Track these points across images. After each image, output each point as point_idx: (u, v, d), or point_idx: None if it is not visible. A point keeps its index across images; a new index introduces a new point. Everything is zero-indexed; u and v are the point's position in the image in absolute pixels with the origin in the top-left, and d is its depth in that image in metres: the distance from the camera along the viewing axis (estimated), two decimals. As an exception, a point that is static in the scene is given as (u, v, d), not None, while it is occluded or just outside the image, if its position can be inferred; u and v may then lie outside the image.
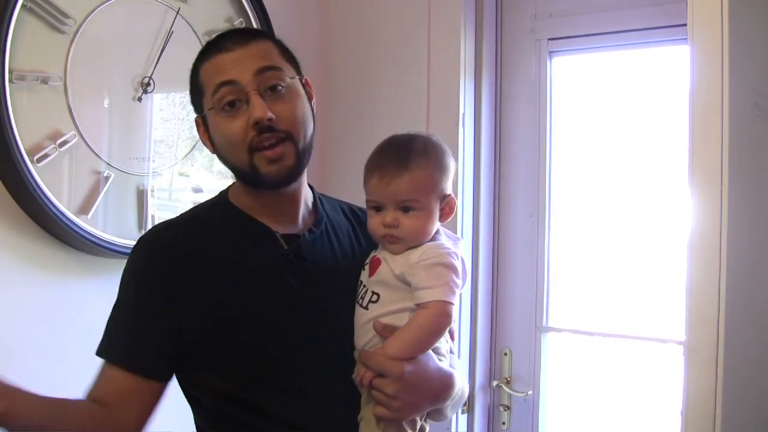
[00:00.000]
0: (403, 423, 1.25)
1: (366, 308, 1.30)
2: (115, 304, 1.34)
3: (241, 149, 1.28)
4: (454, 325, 1.51)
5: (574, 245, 2.26)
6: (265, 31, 1.41)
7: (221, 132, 1.30)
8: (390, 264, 1.29)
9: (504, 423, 2.28)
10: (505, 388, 2.28)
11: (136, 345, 1.29)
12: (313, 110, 1.37)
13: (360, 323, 1.32)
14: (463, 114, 2.22)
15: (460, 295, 2.14)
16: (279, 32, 2.19)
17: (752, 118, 1.74)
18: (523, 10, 2.28)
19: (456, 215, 2.18)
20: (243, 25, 2.14)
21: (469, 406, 2.26)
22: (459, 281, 1.27)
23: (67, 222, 1.74)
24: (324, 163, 2.44)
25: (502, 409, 2.29)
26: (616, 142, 2.19)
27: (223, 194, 1.42)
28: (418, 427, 1.28)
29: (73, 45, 1.78)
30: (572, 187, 2.26)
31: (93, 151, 1.82)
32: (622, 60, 2.20)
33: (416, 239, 1.29)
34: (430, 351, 1.28)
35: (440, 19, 2.25)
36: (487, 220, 2.30)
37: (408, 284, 1.27)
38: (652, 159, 2.12)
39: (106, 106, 1.88)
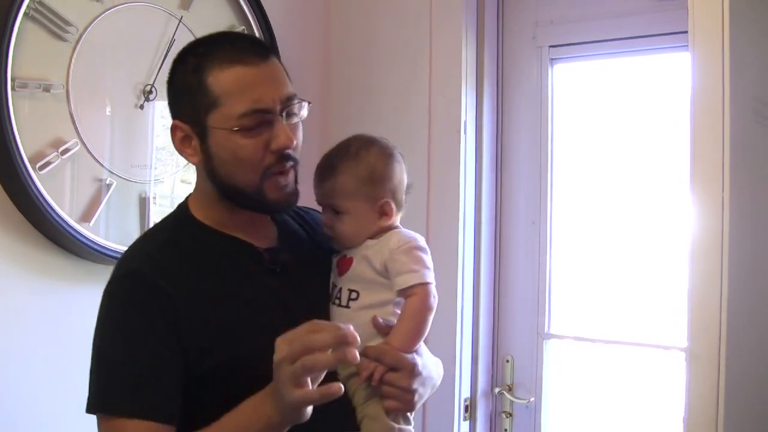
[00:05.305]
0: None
1: (347, 306, 1.31)
2: (104, 345, 1.20)
3: (253, 171, 1.23)
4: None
5: (576, 252, 2.25)
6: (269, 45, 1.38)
7: (232, 150, 1.22)
8: (371, 260, 1.31)
9: (506, 430, 2.28)
10: (507, 395, 2.28)
11: (152, 389, 1.16)
12: None
13: (343, 322, 1.28)
14: (465, 121, 2.22)
15: (462, 300, 2.18)
16: (280, 41, 2.21)
17: (753, 124, 1.74)
18: (524, 17, 2.29)
19: (458, 222, 2.22)
20: (245, 32, 2.14)
21: (471, 413, 2.26)
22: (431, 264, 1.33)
23: (69, 230, 1.74)
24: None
25: (504, 416, 2.28)
26: (617, 149, 2.19)
27: (184, 211, 1.34)
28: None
29: (75, 53, 1.78)
30: (574, 194, 2.26)
31: (95, 158, 1.82)
32: (623, 67, 2.20)
33: (349, 240, 1.34)
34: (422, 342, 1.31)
35: (441, 27, 2.25)
36: (488, 227, 2.29)
37: (387, 276, 1.30)
38: (653, 166, 2.11)
39: (108, 113, 1.88)
